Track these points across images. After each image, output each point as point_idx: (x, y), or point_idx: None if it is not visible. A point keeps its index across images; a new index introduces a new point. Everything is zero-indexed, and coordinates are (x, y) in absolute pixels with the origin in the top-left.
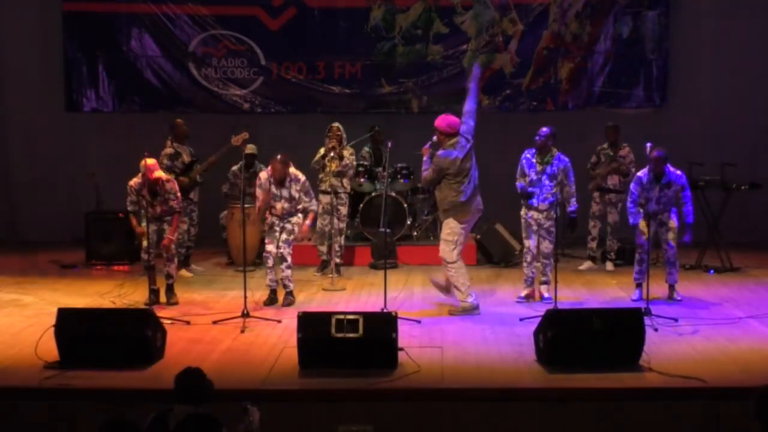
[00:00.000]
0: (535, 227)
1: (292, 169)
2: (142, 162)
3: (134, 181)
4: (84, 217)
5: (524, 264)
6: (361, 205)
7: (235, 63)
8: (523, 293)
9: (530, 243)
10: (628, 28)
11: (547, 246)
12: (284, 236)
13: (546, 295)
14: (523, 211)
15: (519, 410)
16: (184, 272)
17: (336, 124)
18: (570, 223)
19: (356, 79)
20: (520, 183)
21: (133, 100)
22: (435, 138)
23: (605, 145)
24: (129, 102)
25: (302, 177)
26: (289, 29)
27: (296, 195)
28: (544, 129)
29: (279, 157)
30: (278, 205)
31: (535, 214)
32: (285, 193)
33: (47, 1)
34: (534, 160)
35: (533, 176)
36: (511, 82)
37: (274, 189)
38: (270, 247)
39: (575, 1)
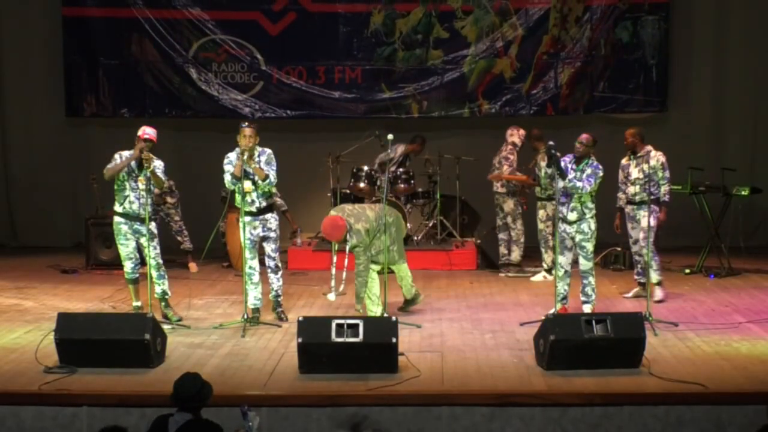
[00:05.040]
0: (569, 243)
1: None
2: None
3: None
4: (84, 222)
5: (557, 280)
6: None
7: (235, 68)
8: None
9: (562, 259)
10: (628, 33)
11: (582, 263)
12: (271, 246)
13: None
14: (560, 226)
15: (519, 415)
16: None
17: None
18: None
19: (356, 84)
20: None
21: (133, 104)
22: None
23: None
24: (129, 107)
25: (268, 149)
26: (289, 34)
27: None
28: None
29: (246, 124)
30: (248, 184)
31: (567, 227)
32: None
33: (47, 6)
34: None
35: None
36: (511, 87)
37: (246, 167)
38: (253, 263)
39: (575, 5)
